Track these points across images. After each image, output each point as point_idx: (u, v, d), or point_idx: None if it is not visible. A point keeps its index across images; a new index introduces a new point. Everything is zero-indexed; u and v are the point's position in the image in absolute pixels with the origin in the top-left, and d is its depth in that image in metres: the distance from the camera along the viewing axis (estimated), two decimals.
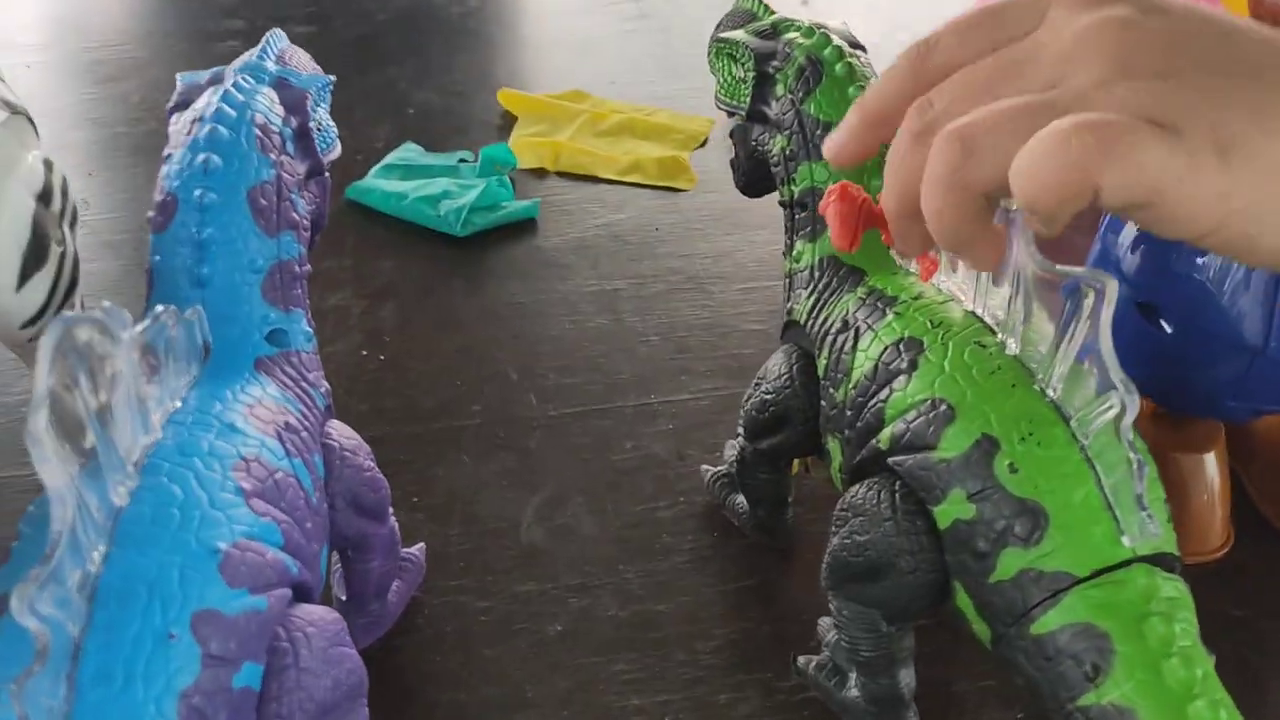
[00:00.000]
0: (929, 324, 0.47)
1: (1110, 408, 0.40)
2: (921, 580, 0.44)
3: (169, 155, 0.47)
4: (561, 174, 0.92)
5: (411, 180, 0.86)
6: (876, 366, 0.47)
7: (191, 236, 0.45)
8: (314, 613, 0.41)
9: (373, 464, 0.49)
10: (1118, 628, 0.39)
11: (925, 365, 0.45)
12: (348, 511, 0.47)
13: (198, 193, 0.45)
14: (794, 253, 0.55)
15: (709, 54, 0.58)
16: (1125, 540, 0.40)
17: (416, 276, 0.79)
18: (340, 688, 0.40)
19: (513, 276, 0.80)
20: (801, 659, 0.52)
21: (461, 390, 0.69)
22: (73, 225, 0.50)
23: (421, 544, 0.57)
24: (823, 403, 0.50)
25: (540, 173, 0.92)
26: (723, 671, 0.53)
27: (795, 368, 0.52)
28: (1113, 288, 0.39)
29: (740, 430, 0.57)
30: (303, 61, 0.53)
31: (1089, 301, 0.40)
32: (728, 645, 0.54)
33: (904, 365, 0.46)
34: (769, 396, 0.53)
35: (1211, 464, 0.58)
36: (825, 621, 0.53)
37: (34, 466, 0.31)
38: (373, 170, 0.89)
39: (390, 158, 0.90)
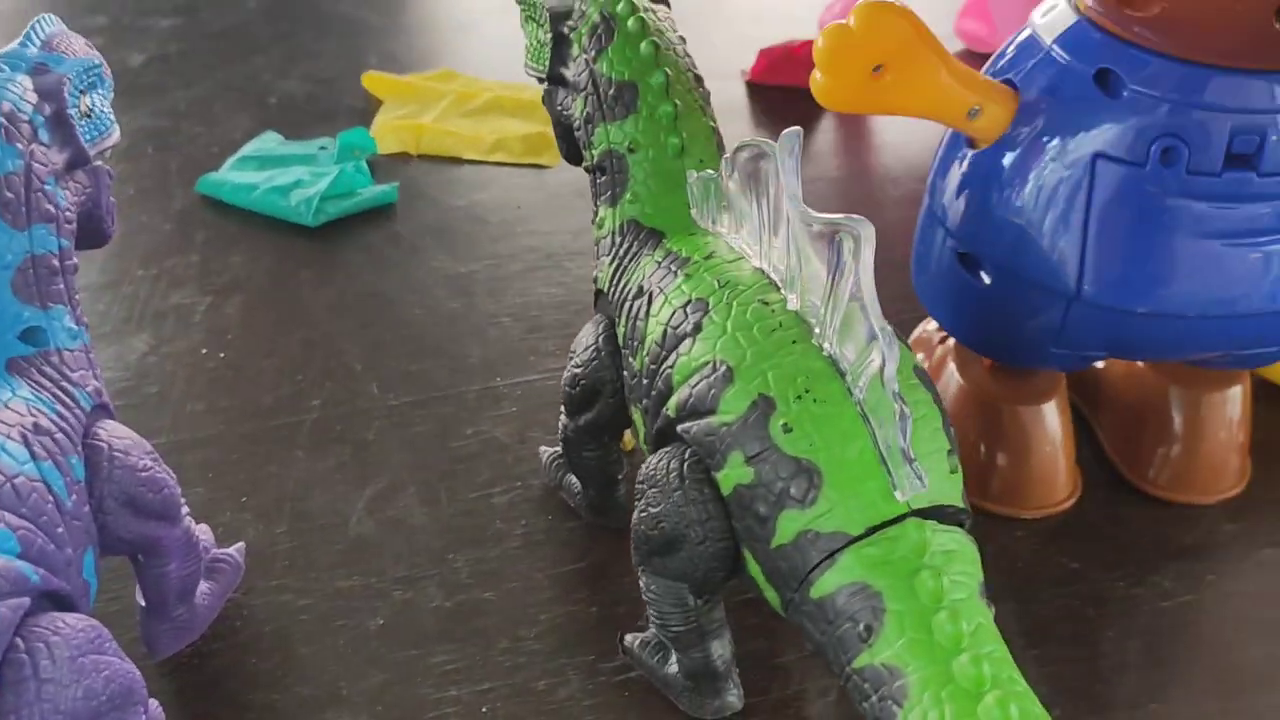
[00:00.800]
0: (716, 284, 0.45)
1: (872, 360, 0.38)
2: (713, 550, 0.43)
3: None
4: (424, 157, 0.89)
5: (265, 171, 0.83)
6: (665, 331, 0.45)
7: None
8: (61, 621, 0.39)
9: (153, 464, 0.47)
10: (890, 585, 0.38)
11: (709, 326, 0.44)
12: (122, 513, 0.45)
13: None
14: (598, 218, 0.53)
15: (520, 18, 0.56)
16: (897, 495, 0.39)
17: (265, 271, 0.77)
18: (94, 697, 0.38)
19: (367, 265, 0.78)
20: (629, 637, 0.50)
21: (302, 385, 0.67)
22: None
23: (240, 543, 0.55)
24: (624, 373, 0.49)
25: (403, 157, 0.89)
26: (545, 656, 0.51)
27: (601, 338, 0.51)
28: (869, 232, 0.38)
29: (562, 408, 0.55)
30: (75, 47, 0.51)
31: (848, 248, 0.38)
32: (551, 630, 0.52)
33: (689, 328, 0.44)
34: (579, 370, 0.52)
35: (1052, 414, 0.57)
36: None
37: None
38: (227, 163, 0.86)
39: (246, 148, 0.88)
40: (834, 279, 0.40)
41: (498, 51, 1.03)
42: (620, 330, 0.49)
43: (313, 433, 0.64)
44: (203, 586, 0.52)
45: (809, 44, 0.92)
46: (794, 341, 0.42)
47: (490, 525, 0.58)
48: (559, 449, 0.59)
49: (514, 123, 0.92)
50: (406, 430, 0.64)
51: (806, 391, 0.41)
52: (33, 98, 0.46)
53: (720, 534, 0.42)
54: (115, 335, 0.70)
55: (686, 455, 0.43)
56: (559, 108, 0.55)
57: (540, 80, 0.56)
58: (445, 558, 0.56)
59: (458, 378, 0.67)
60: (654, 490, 0.44)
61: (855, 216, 0.38)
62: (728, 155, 0.45)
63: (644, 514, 0.44)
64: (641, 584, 0.47)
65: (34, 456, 0.41)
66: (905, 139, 0.92)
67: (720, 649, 0.47)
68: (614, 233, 0.51)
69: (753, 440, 0.41)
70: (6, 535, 0.38)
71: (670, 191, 0.50)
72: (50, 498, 0.41)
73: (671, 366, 0.44)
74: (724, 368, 0.42)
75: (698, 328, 0.44)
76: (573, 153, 0.58)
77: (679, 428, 0.44)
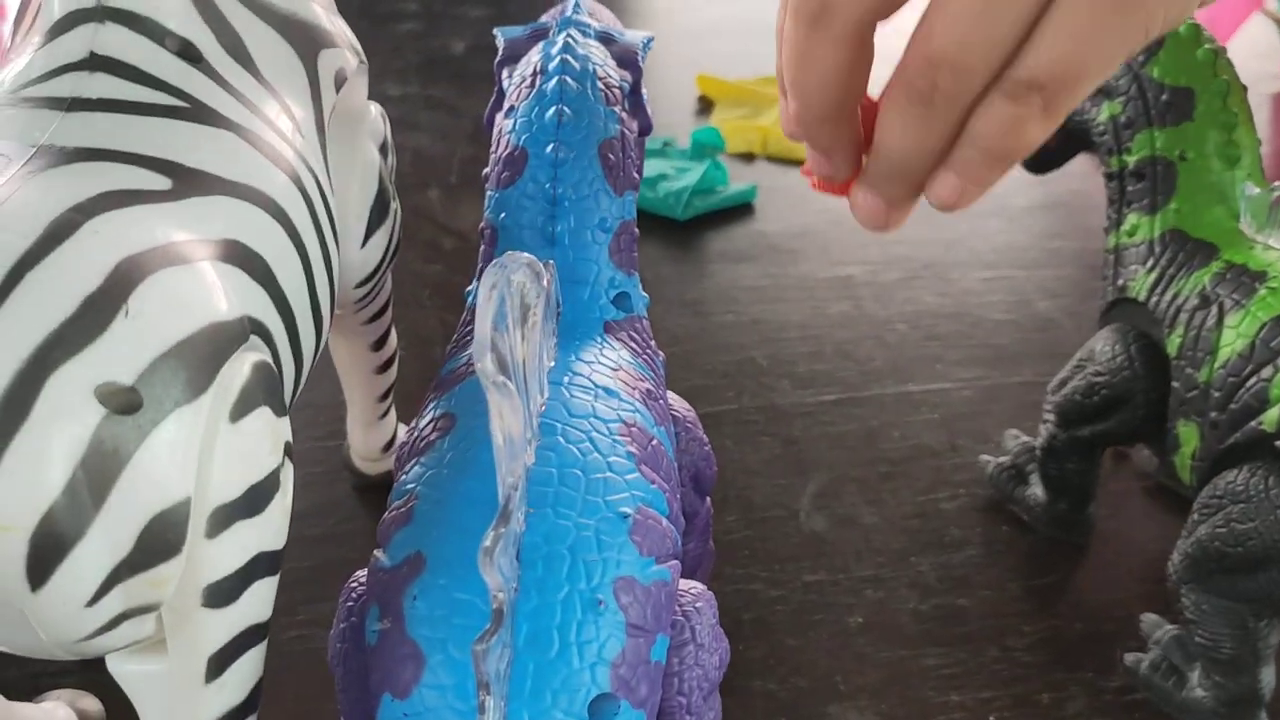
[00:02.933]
0: None
1: None
2: None
3: (511, 109, 0.45)
4: (771, 158, 0.89)
5: None
6: (1254, 344, 0.44)
7: (544, 192, 0.43)
8: (696, 588, 0.38)
9: (706, 438, 0.47)
10: None
11: None
12: (688, 487, 0.45)
13: (550, 147, 0.43)
14: (1125, 226, 0.52)
15: None
16: None
17: (643, 260, 0.77)
18: (722, 667, 0.38)
19: (740, 261, 0.78)
20: (1129, 657, 0.49)
21: (713, 376, 0.67)
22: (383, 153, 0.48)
23: None
24: (1175, 384, 0.47)
25: (748, 158, 0.89)
26: (1041, 669, 0.50)
27: (1134, 348, 0.49)
28: None
29: (1049, 418, 0.54)
30: (606, 18, 0.51)
31: None
32: (1040, 643, 0.51)
33: None
34: (1101, 379, 0.50)
35: None
36: (1150, 618, 0.50)
37: (490, 412, 0.29)
38: None
39: None
40: None
41: None
42: (1174, 340, 0.48)
43: (736, 424, 0.64)
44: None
45: None
46: None
47: (945, 531, 0.57)
48: (1006, 459, 0.58)
49: None
50: (830, 429, 0.63)
51: None
52: (614, 65, 0.46)
53: None
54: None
55: None
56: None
57: None
58: (908, 560, 0.55)
59: (868, 380, 0.67)
60: (1240, 507, 0.43)
61: None
62: None
63: (1223, 530, 0.43)
64: (1188, 602, 0.45)
65: (656, 421, 0.41)
66: None
67: (1268, 676, 0.46)
68: (1152, 241, 0.50)
69: None
70: (660, 496, 0.38)
71: (1217, 203, 0.49)
72: (668, 460, 0.41)
73: (1267, 380, 0.43)
74: None
75: None
76: (1053, 160, 0.57)
77: (1278, 442, 0.42)
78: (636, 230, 0.46)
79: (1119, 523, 0.57)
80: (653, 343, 0.45)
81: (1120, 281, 0.51)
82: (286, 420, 0.36)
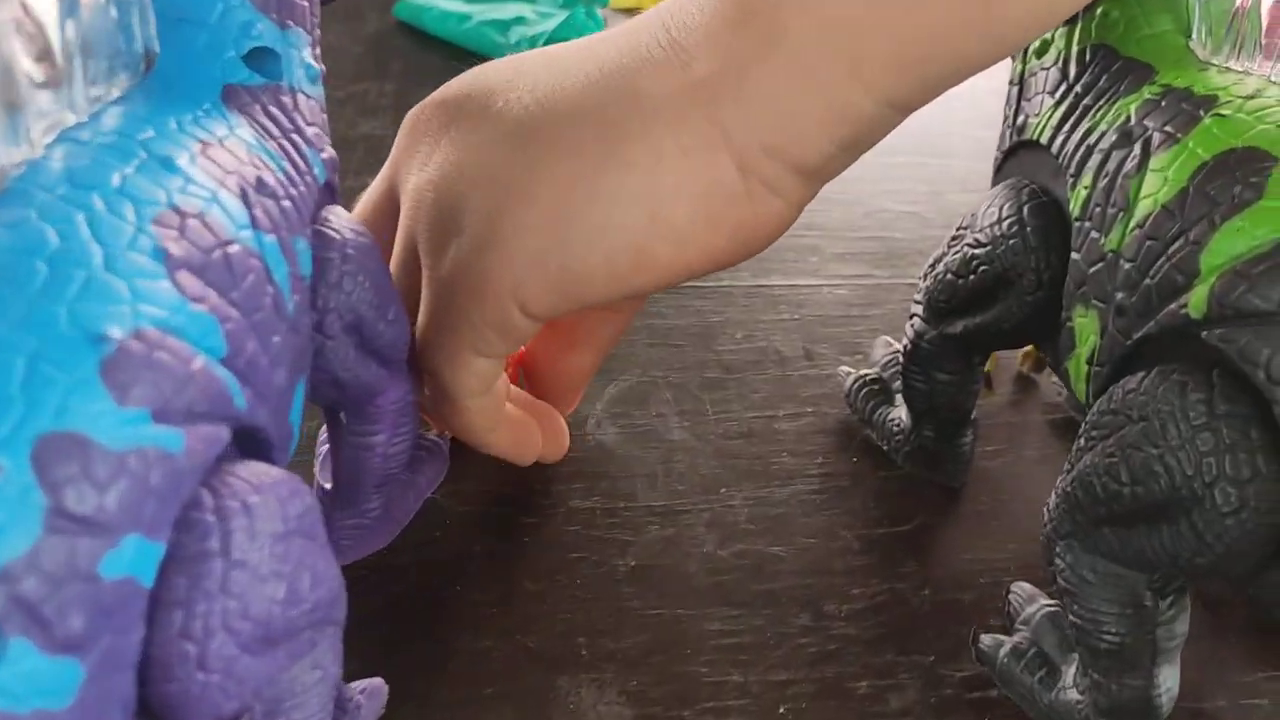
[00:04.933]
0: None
1: None
2: (1249, 526, 0.27)
3: None
4: None
5: (478, 2, 0.69)
6: (1186, 192, 0.30)
7: None
8: (268, 477, 0.24)
9: (388, 283, 0.32)
10: None
11: (1277, 185, 0.28)
12: (345, 340, 0.31)
13: None
14: (1035, 45, 0.37)
15: None
16: None
17: None
18: (298, 602, 0.24)
19: None
20: (986, 638, 0.35)
21: None
22: None
23: (445, 432, 0.41)
24: (1074, 255, 0.33)
25: (637, 14, 0.74)
26: (864, 648, 0.36)
27: (1026, 208, 0.35)
28: None
29: (916, 310, 0.40)
30: None
31: None
32: (869, 611, 0.37)
33: (1238, 190, 0.29)
34: (980, 250, 0.36)
35: None
36: (1024, 588, 0.36)
37: None
38: None
39: None
40: None
41: None
42: (1079, 194, 0.33)
43: None
44: (400, 478, 0.38)
45: None
46: None
47: (774, 457, 0.43)
48: (871, 372, 0.44)
49: None
50: (657, 322, 0.49)
51: None
52: None
53: (1271, 502, 0.27)
54: None
55: (1216, 380, 0.28)
56: None
57: None
58: (717, 491, 0.41)
59: (723, 272, 0.52)
60: (1145, 426, 0.28)
61: None
62: None
63: (1115, 460, 0.29)
64: (1060, 564, 0.32)
65: (254, 224, 0.26)
66: None
67: (1170, 680, 0.32)
68: (1067, 60, 0.35)
69: None
70: (209, 325, 0.23)
71: (1161, 9, 0.34)
72: (269, 288, 0.26)
73: (1198, 243, 0.29)
74: None
75: (1255, 190, 0.28)
76: None
77: (1205, 334, 0.28)
78: None
79: (1007, 463, 0.43)
80: (310, 130, 0.31)
81: (1020, 119, 0.37)
82: None
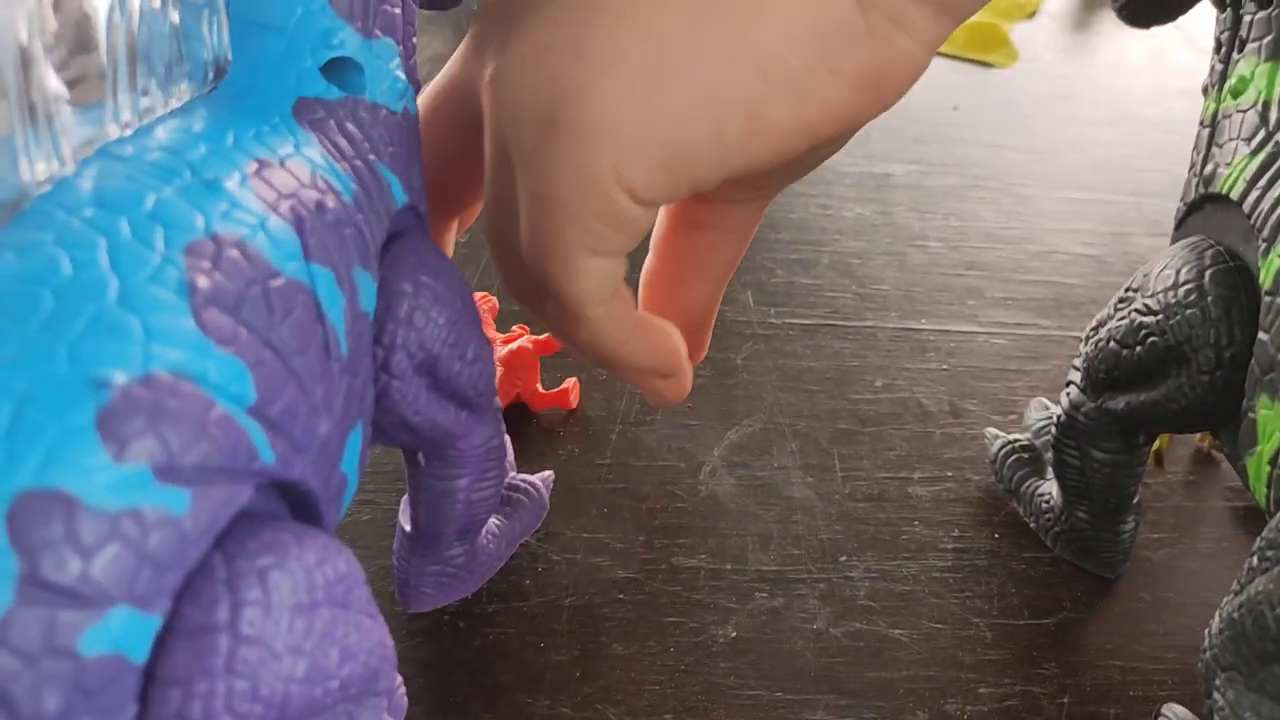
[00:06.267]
0: None
1: None
2: None
3: None
4: None
5: None
6: None
7: None
8: (294, 541, 0.22)
9: (474, 319, 0.30)
10: None
11: None
12: (415, 380, 0.28)
13: None
14: (1231, 81, 0.32)
15: None
16: None
17: None
18: (322, 680, 0.22)
19: None
20: None
21: None
22: None
23: (549, 473, 0.38)
24: (1262, 335, 0.28)
25: None
26: None
27: (1210, 274, 0.30)
28: None
29: (1076, 379, 0.35)
30: None
31: None
32: (998, 713, 0.33)
33: None
34: (1152, 318, 0.31)
35: None
36: (1178, 712, 0.31)
37: None
38: None
39: None
40: None
41: None
42: (1270, 263, 0.28)
43: None
44: (491, 523, 0.35)
45: None
46: None
47: (905, 526, 0.39)
48: (1023, 438, 0.40)
49: None
50: (789, 362, 0.45)
51: None
52: None
53: None
54: None
55: None
56: None
57: None
58: (836, 560, 0.37)
59: (865, 307, 0.48)
60: None
61: None
62: None
63: None
64: (1219, 699, 0.27)
65: (307, 254, 0.24)
66: None
67: None
68: (1266, 105, 0.30)
69: None
70: (236, 370, 0.21)
71: None
72: (319, 328, 0.24)
73: None
74: None
75: None
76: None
77: None
78: None
79: (1174, 555, 0.38)
80: (392, 149, 0.29)
81: (1209, 168, 0.32)
82: None
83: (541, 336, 0.43)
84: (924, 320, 0.47)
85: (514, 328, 0.44)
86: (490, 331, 0.43)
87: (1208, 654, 0.27)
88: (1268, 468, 0.28)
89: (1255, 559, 0.26)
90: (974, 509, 0.39)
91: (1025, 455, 0.39)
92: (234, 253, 0.22)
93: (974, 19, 0.70)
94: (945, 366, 0.45)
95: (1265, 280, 0.28)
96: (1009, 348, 0.46)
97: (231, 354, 0.21)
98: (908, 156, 0.58)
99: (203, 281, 0.21)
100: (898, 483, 0.40)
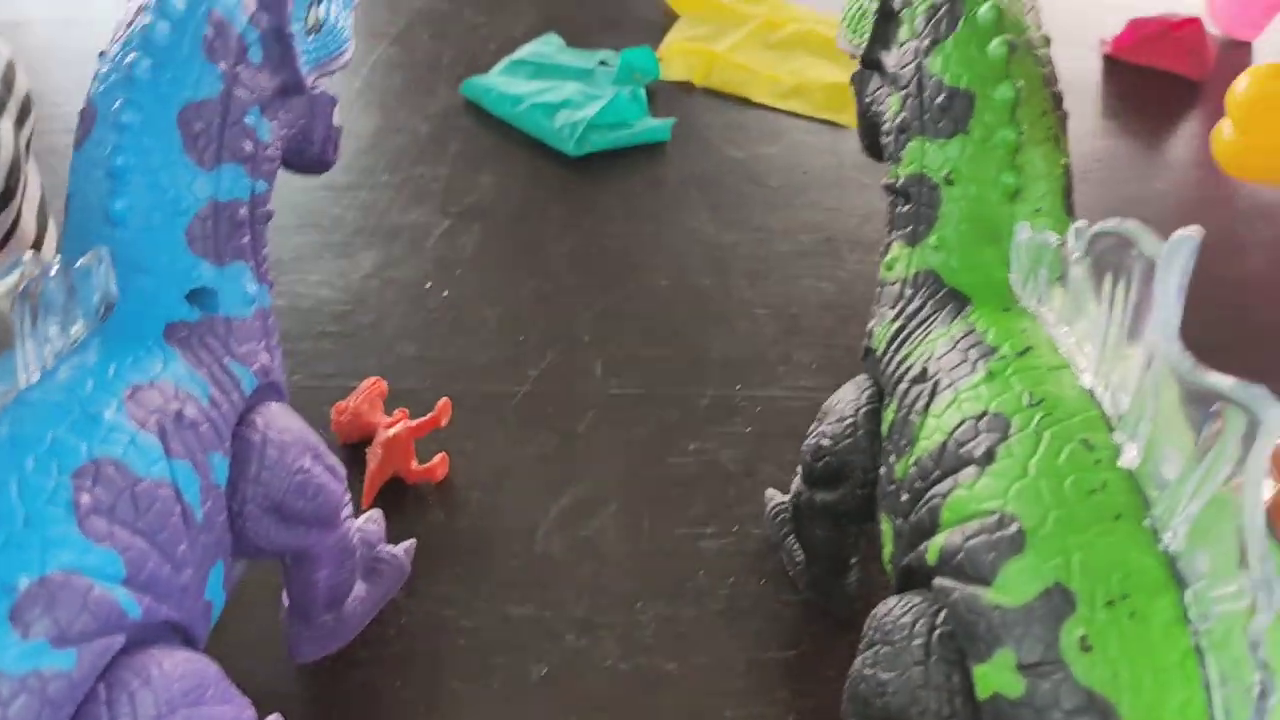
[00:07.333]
0: (1027, 399, 0.33)
1: (1238, 598, 0.27)
2: None
3: (102, 53, 0.38)
4: (710, 91, 0.79)
5: (536, 81, 0.75)
6: (946, 444, 0.34)
7: (104, 160, 0.36)
8: (156, 663, 0.32)
9: (313, 463, 0.40)
10: None
11: (1005, 459, 0.32)
12: (264, 520, 0.39)
13: (117, 105, 0.36)
14: (888, 257, 0.41)
15: None
16: None
17: (512, 200, 0.69)
18: None
19: (621, 213, 0.69)
20: None
21: (522, 349, 0.60)
22: (19, 122, 0.42)
23: (411, 542, 0.49)
24: (881, 470, 0.38)
25: (686, 87, 0.79)
26: None
27: (863, 412, 0.40)
28: (1274, 417, 0.26)
29: (799, 469, 0.45)
30: None
31: (1235, 430, 0.26)
32: None
33: (978, 452, 0.33)
34: (828, 443, 0.41)
35: None
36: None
37: None
38: (500, 65, 0.79)
39: (523, 51, 0.80)
40: (1206, 457, 0.28)
41: None
42: (888, 416, 0.38)
43: (522, 409, 0.56)
44: (359, 589, 0.46)
45: (1194, 24, 0.75)
46: (1118, 517, 0.30)
47: (692, 576, 0.49)
48: (790, 499, 0.50)
49: (821, 66, 0.80)
50: (623, 431, 0.55)
51: (1123, 598, 0.29)
52: (251, 6, 0.38)
53: None
54: (343, 247, 0.64)
55: (938, 622, 0.33)
56: (868, 98, 0.44)
57: (853, 57, 0.45)
58: (633, 606, 0.48)
59: (692, 376, 0.58)
60: (886, 649, 0.34)
61: (1256, 388, 0.26)
62: (1080, 226, 0.33)
63: (869, 672, 0.34)
64: None
65: (168, 454, 0.34)
66: None
67: None
68: (904, 281, 0.40)
69: (1034, 644, 0.30)
70: (110, 558, 0.32)
71: (988, 243, 0.38)
72: (177, 508, 0.34)
73: (944, 496, 0.33)
74: (1014, 527, 0.31)
75: (989, 455, 0.33)
76: (875, 149, 0.46)
77: (937, 581, 0.33)
78: (261, 208, 0.40)
79: None
80: (242, 349, 0.39)
81: (870, 323, 0.42)
82: None
83: (416, 422, 0.53)
84: (738, 386, 0.57)
85: (395, 411, 0.54)
86: (377, 415, 0.54)
87: (845, 706, 0.37)
88: (890, 565, 0.38)
89: (862, 641, 0.36)
90: (750, 559, 0.50)
91: (788, 515, 0.49)
92: (109, 469, 0.33)
93: (833, 77, 0.78)
94: (750, 429, 0.55)
95: (884, 428, 0.38)
96: (808, 409, 0.56)
97: (107, 547, 0.31)
98: (754, 224, 0.68)
99: (85, 498, 0.32)
100: (692, 537, 0.50)
